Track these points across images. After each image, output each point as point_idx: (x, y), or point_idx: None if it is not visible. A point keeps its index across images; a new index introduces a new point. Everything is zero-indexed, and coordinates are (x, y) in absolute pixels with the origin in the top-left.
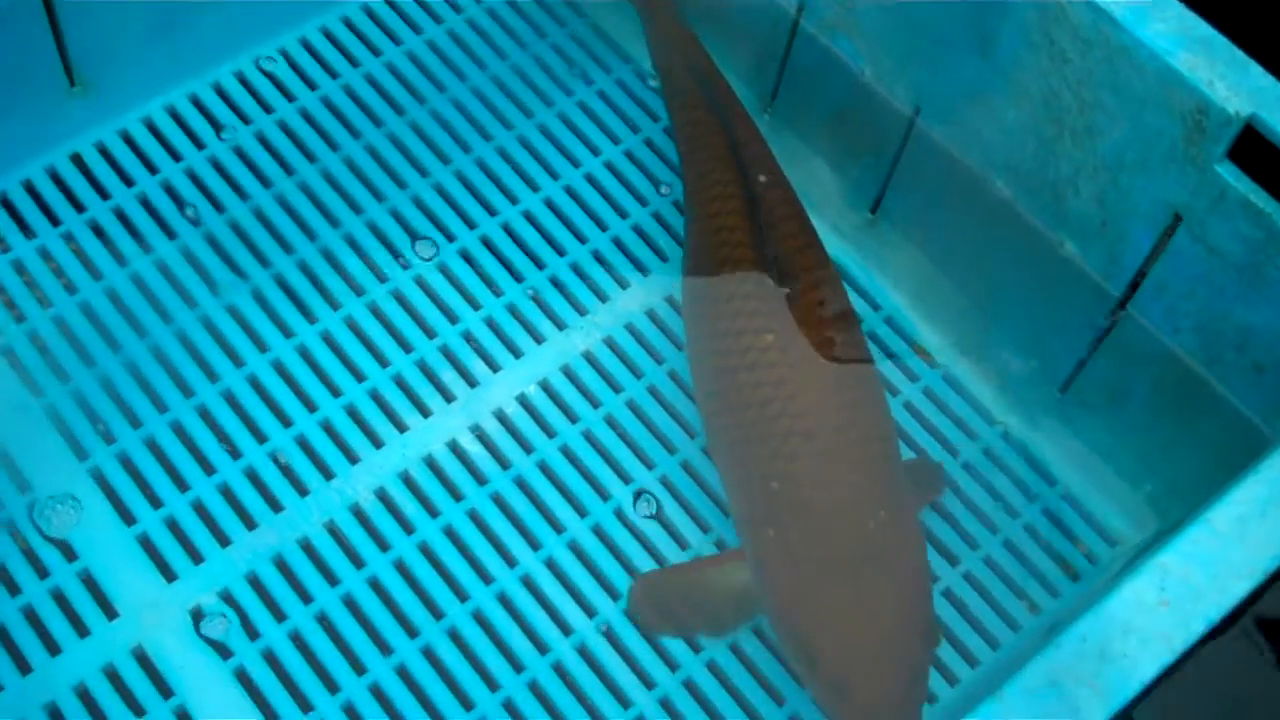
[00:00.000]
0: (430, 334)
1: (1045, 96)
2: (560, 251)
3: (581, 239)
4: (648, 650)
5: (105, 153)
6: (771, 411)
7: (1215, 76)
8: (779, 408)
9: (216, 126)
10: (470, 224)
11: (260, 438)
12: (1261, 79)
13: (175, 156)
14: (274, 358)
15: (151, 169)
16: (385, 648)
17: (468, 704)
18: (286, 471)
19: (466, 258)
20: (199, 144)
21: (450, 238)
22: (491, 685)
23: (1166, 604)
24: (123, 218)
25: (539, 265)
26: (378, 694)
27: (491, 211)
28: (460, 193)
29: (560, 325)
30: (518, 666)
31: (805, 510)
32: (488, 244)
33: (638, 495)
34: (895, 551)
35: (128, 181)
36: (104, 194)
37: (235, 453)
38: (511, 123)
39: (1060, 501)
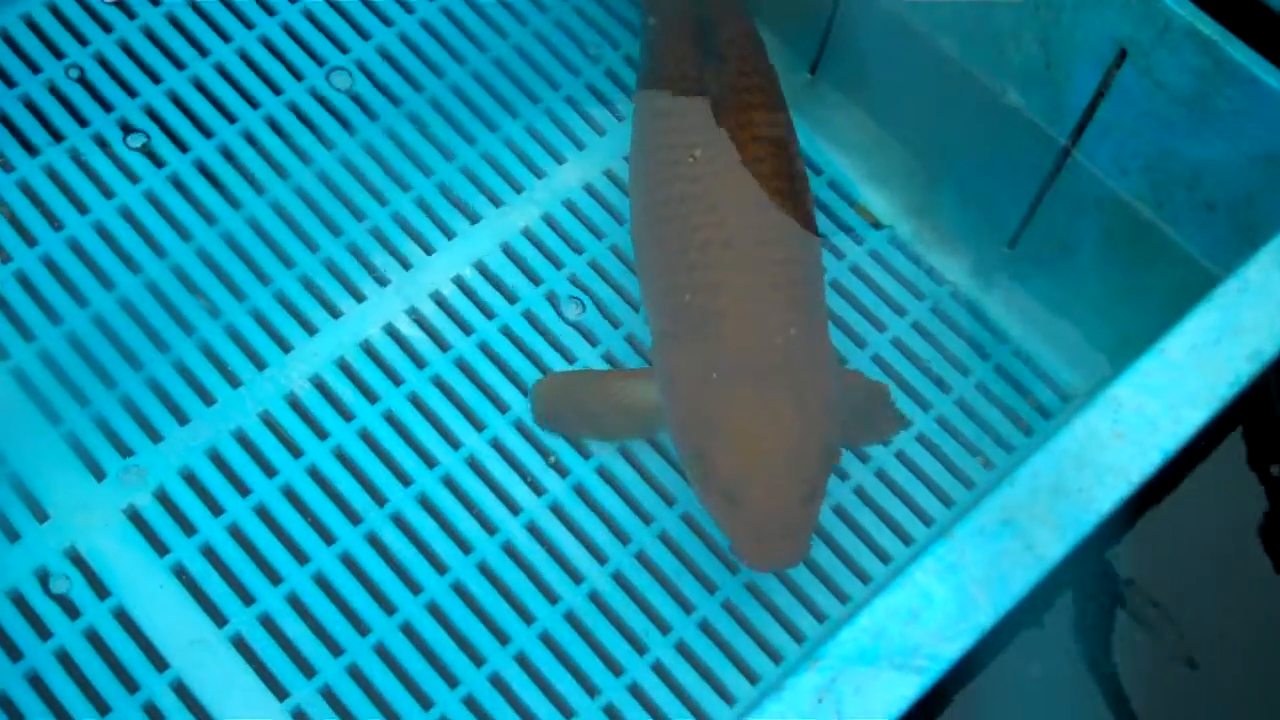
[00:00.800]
0: (360, 217)
1: None
2: (492, 127)
3: (514, 114)
4: (598, 524)
5: None
6: (692, 223)
7: None
8: (699, 219)
9: (129, 13)
10: (395, 100)
11: (188, 329)
12: None
13: (82, 41)
14: (198, 246)
15: (34, 67)
16: (328, 537)
17: (415, 588)
18: (217, 363)
19: (393, 137)
20: (106, 28)
21: (373, 117)
22: (439, 568)
23: (1121, 436)
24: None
25: (470, 141)
26: (321, 583)
27: (417, 87)
28: (384, 69)
29: (497, 203)
30: (466, 548)
31: (715, 319)
32: (415, 121)
33: None
34: (800, 367)
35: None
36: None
37: (163, 346)
38: None
39: (1012, 358)
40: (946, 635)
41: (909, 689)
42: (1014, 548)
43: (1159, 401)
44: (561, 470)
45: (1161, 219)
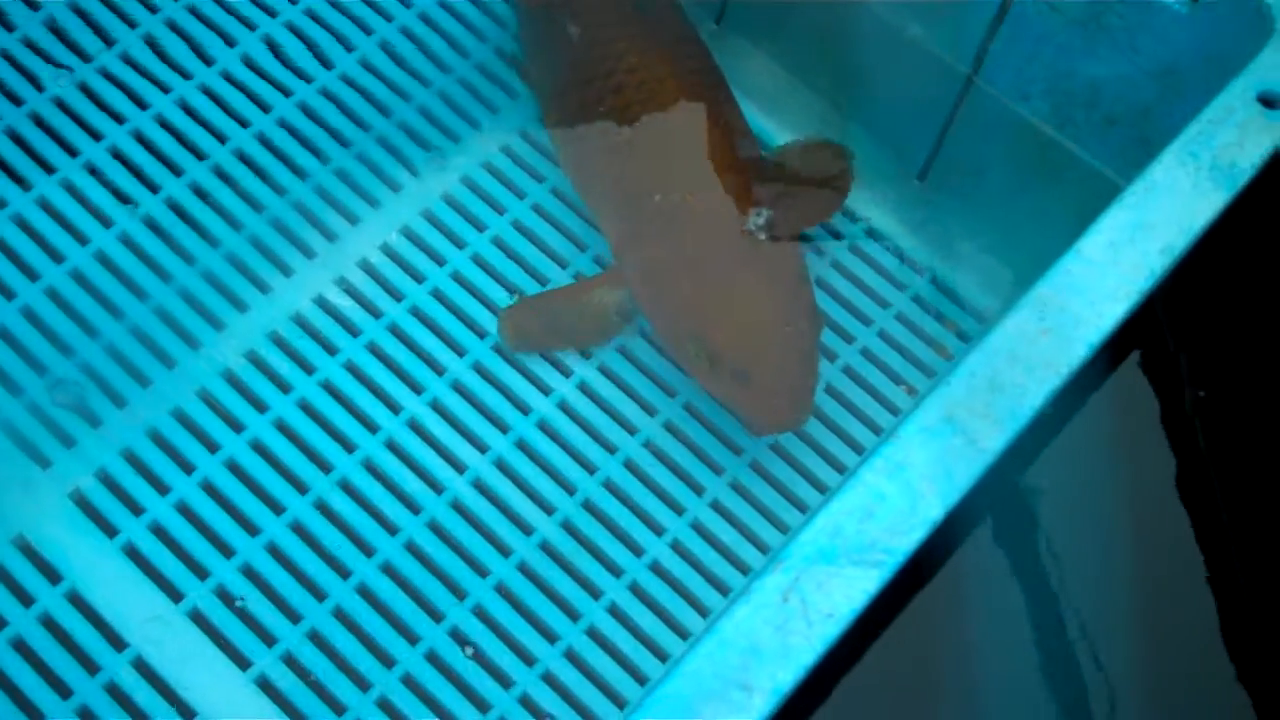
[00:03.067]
0: (280, 191)
1: None
2: (405, 97)
3: (425, 82)
4: (544, 478)
5: None
6: (642, 132)
7: None
8: (647, 121)
9: None
10: (307, 79)
11: (116, 314)
12: None
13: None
14: (119, 231)
15: None
16: (276, 507)
17: (368, 550)
18: (149, 345)
19: (307, 112)
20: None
21: (287, 93)
22: (390, 529)
23: (1048, 333)
24: None
25: (385, 113)
26: (274, 552)
27: (327, 65)
28: (294, 45)
29: (414, 171)
30: (414, 508)
31: (686, 218)
32: (329, 96)
33: None
34: (773, 247)
35: None
36: None
37: (93, 332)
38: None
39: (930, 286)
40: (900, 530)
41: (869, 583)
42: (957, 444)
43: (1081, 298)
44: (502, 427)
45: (1064, 137)
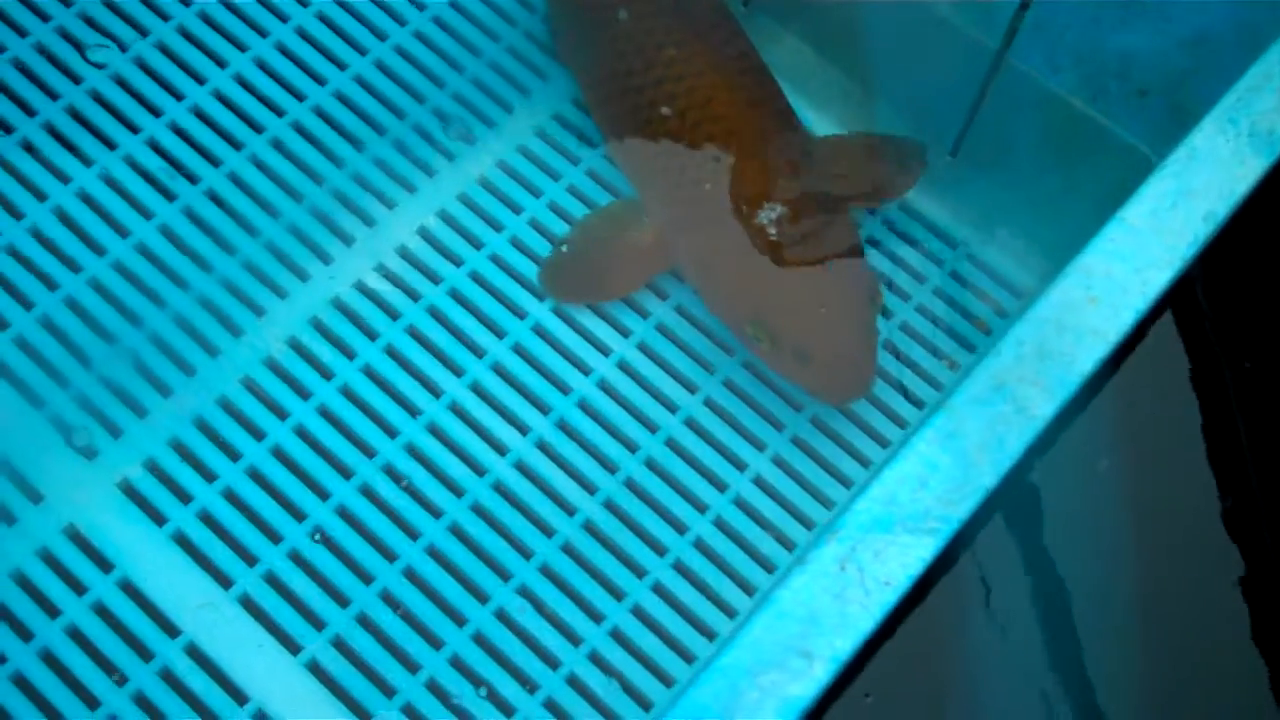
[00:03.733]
0: (318, 179)
1: None
2: (439, 83)
3: (458, 68)
4: (586, 457)
5: None
6: (690, 120)
7: None
8: (696, 115)
9: None
10: (341, 65)
11: (160, 303)
12: None
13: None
14: (160, 223)
15: None
16: (322, 493)
17: (413, 534)
18: (193, 334)
19: (342, 99)
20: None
21: (321, 81)
22: (434, 513)
23: (1095, 300)
24: None
25: (419, 99)
26: (322, 538)
27: (361, 51)
28: (326, 35)
29: (450, 156)
30: (458, 491)
31: (733, 205)
32: (363, 83)
33: (555, 311)
34: (826, 224)
35: None
36: None
37: (136, 321)
38: None
39: (965, 262)
40: (953, 499)
41: (924, 550)
42: (1007, 411)
43: (1125, 265)
44: (543, 408)
45: (1096, 110)
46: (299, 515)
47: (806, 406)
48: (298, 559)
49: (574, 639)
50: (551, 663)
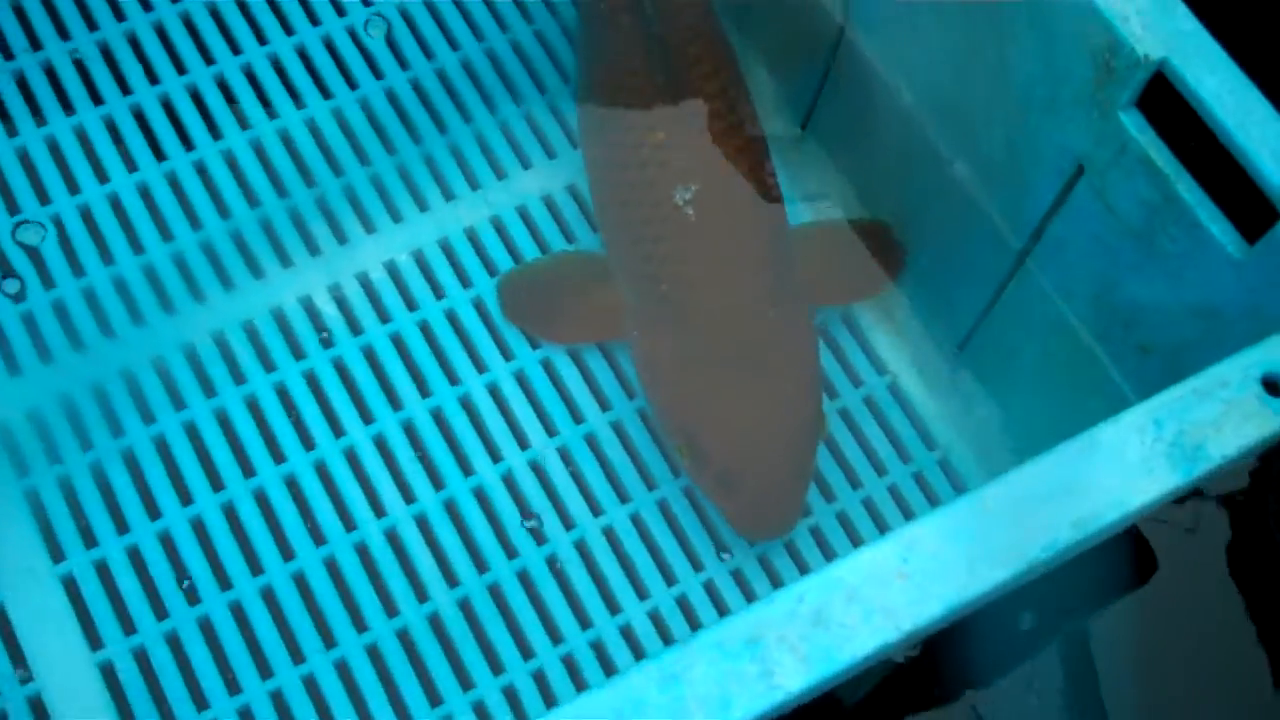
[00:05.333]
0: (310, 182)
1: (961, 16)
2: (467, 118)
3: (492, 108)
4: (458, 546)
5: None
6: (663, 212)
7: (1133, 12)
8: (669, 209)
9: None
10: (379, 74)
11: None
12: (1185, 21)
13: None
14: (140, 180)
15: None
16: (186, 497)
17: (256, 569)
18: (128, 299)
19: (365, 108)
20: None
21: (354, 85)
22: (285, 554)
23: (905, 577)
24: None
25: (441, 129)
26: (168, 541)
27: (404, 65)
28: (374, 42)
29: (449, 195)
30: (318, 539)
31: (694, 311)
32: (391, 98)
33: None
34: (783, 346)
35: None
36: None
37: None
38: None
39: (936, 467)
40: None
41: None
42: (749, 671)
43: (958, 549)
44: (438, 483)
45: (1101, 350)
46: (154, 514)
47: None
48: (135, 555)
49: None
50: None
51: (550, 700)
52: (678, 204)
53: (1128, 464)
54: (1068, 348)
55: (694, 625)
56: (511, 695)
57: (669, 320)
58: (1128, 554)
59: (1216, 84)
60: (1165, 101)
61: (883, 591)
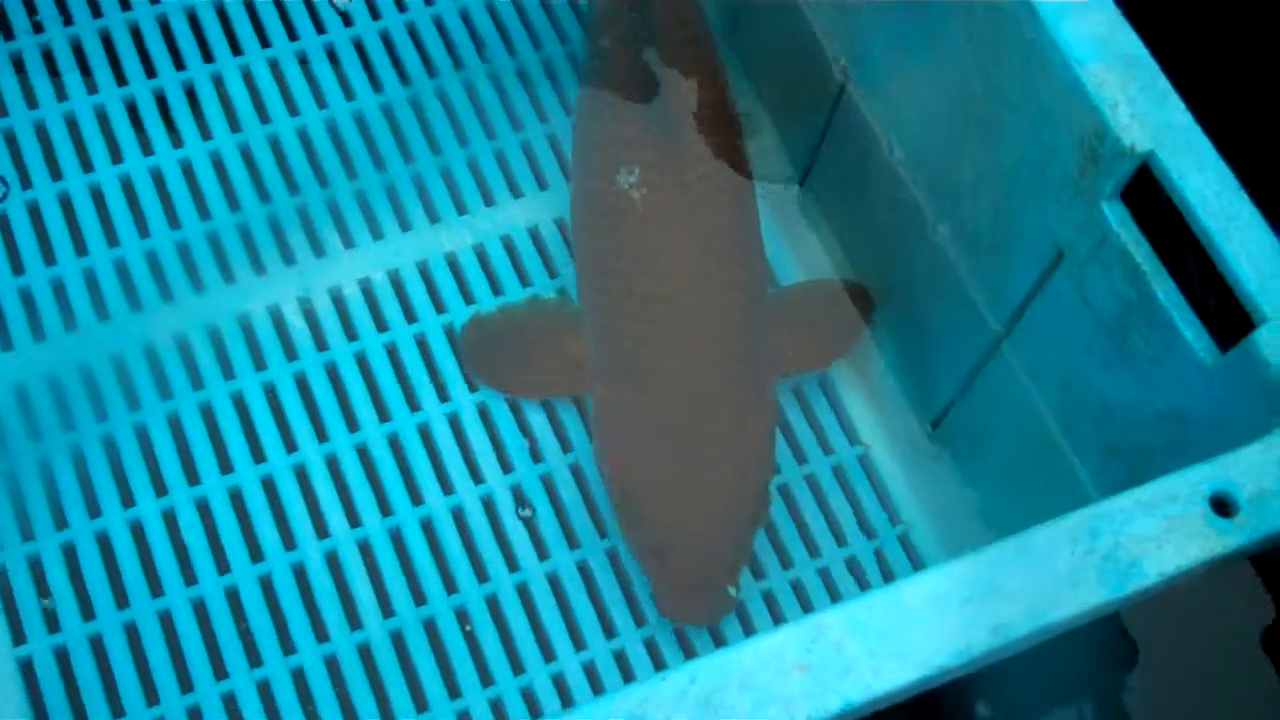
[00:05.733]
0: (294, 191)
1: (959, 82)
2: (462, 140)
3: (490, 133)
4: (398, 576)
5: None
6: (638, 267)
7: (1123, 99)
8: (644, 264)
9: None
10: (377, 87)
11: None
12: (1176, 114)
13: None
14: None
15: None
16: (128, 499)
17: (190, 579)
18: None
19: (359, 120)
20: None
21: (350, 96)
22: (221, 568)
23: (805, 669)
24: None
25: (434, 150)
26: (104, 542)
27: (405, 80)
28: (377, 51)
29: (434, 218)
30: (255, 555)
31: (655, 376)
32: (386, 113)
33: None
34: (736, 424)
35: None
36: None
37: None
38: None
39: (897, 544)
40: None
41: None
42: None
43: (865, 644)
44: (385, 509)
45: (1069, 444)
46: (94, 512)
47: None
48: (70, 553)
49: None
50: None
51: None
52: (654, 261)
53: (1055, 573)
54: (1038, 439)
55: (629, 679)
56: None
57: (628, 377)
58: (1102, 643)
59: (1202, 183)
60: (1150, 194)
61: (780, 681)
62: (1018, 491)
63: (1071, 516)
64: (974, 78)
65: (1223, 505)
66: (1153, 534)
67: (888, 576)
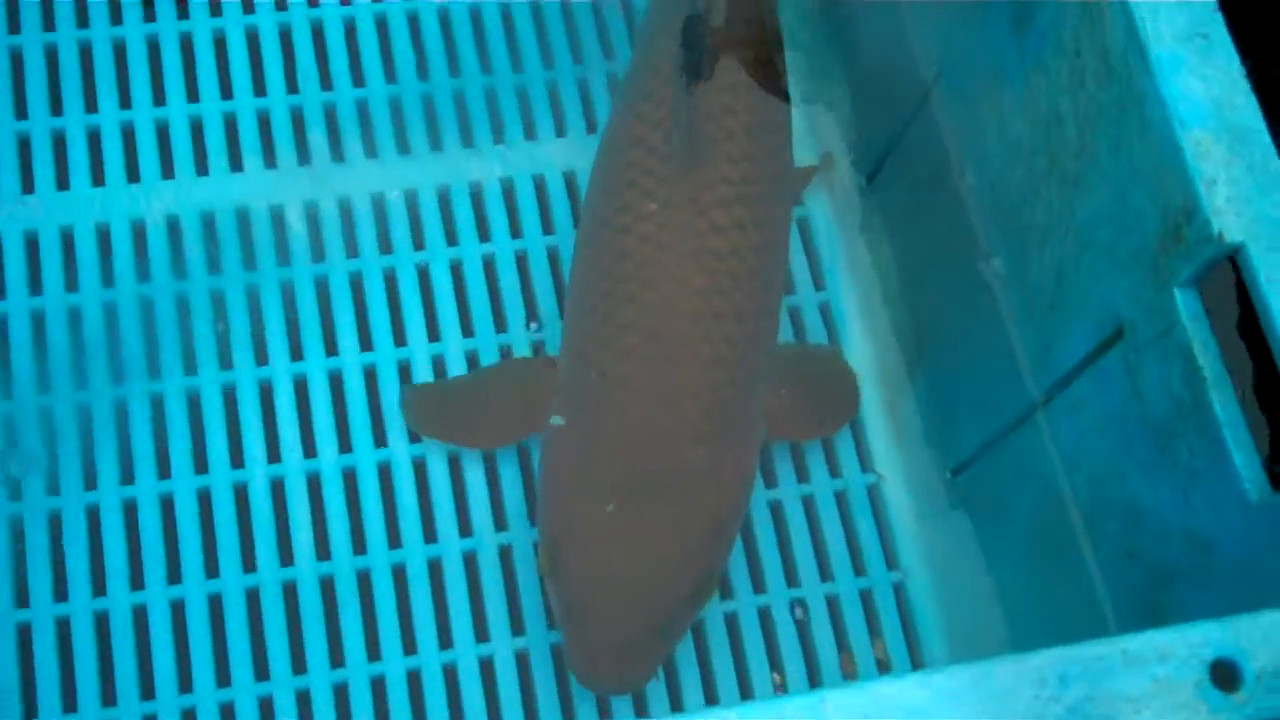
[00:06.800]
0: (326, 84)
1: (1050, 121)
2: (516, 64)
3: (548, 61)
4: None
5: None
6: (624, 292)
7: (1224, 178)
8: (633, 291)
9: None
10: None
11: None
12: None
13: None
14: None
15: None
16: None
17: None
18: None
19: (412, 21)
20: None
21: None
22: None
23: None
24: None
25: (484, 68)
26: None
27: None
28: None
29: (467, 141)
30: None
31: (614, 415)
32: (442, 18)
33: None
34: (696, 489)
35: None
36: None
37: None
38: None
39: (889, 591)
40: None
41: None
42: None
43: None
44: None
45: (1088, 538)
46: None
47: None
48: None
49: None
50: None
51: None
52: (642, 287)
53: (1009, 716)
54: (1056, 522)
55: None
56: None
57: (586, 411)
58: None
59: None
60: (1230, 292)
61: None
62: (1028, 568)
63: (1043, 654)
64: (1068, 120)
65: (1225, 676)
66: (1132, 694)
67: (872, 624)
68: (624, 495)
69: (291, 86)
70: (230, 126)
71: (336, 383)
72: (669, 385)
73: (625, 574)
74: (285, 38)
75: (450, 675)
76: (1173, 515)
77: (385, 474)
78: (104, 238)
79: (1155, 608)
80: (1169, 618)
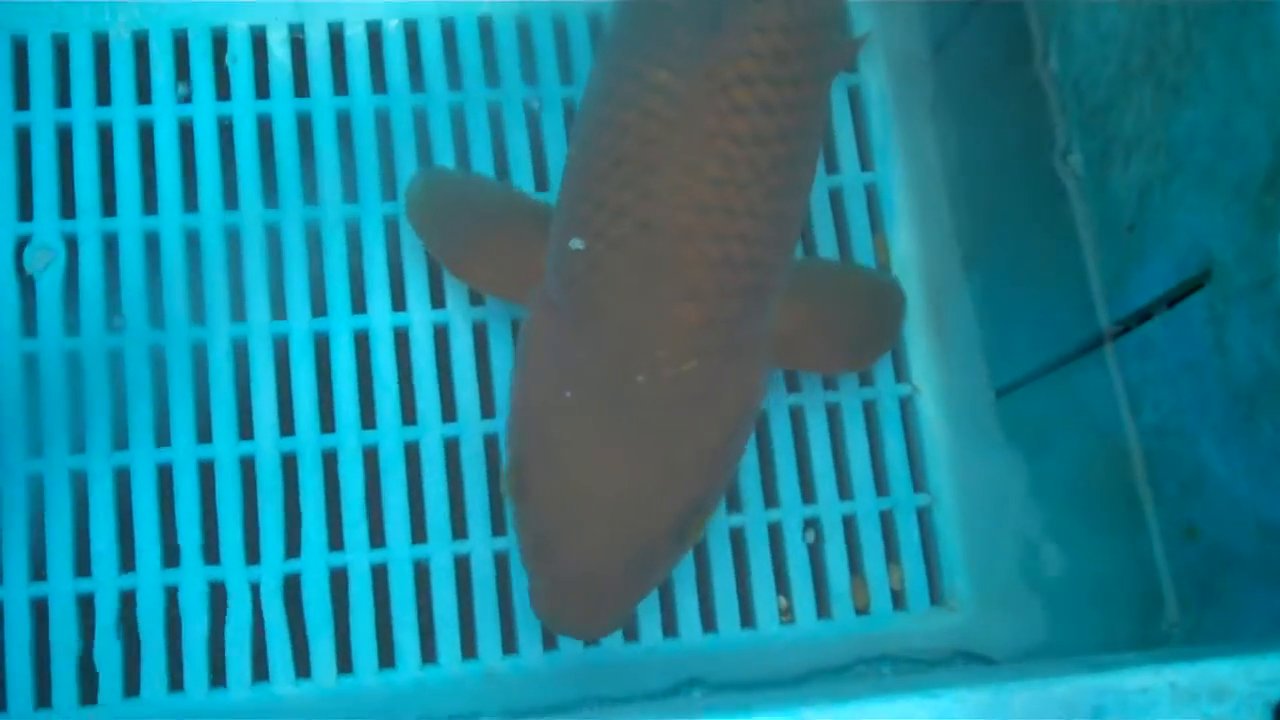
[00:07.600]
0: None
1: (1152, 14)
2: None
3: None
4: None
5: None
6: (621, 175)
7: None
8: (632, 174)
9: None
10: None
11: None
12: None
13: None
14: None
15: None
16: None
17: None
18: None
19: None
20: None
21: None
22: None
23: None
24: None
25: None
26: None
27: None
28: None
29: None
30: None
31: (602, 313)
32: None
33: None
34: (682, 413)
35: None
36: None
37: None
38: None
39: (911, 515)
40: None
41: None
42: None
43: None
44: None
45: (1149, 498)
46: None
47: None
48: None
49: None
50: None
51: None
52: (643, 170)
53: None
54: (1113, 472)
55: None
56: None
57: (571, 312)
58: None
59: None
60: None
61: None
62: (1070, 513)
63: (1075, 680)
64: (1174, 16)
65: None
66: None
67: (890, 549)
68: (601, 411)
69: None
70: None
71: (311, 234)
72: (664, 286)
73: (597, 500)
74: None
75: (421, 571)
76: (1245, 496)
77: (362, 340)
78: (61, 51)
79: (1211, 591)
80: (1225, 605)
